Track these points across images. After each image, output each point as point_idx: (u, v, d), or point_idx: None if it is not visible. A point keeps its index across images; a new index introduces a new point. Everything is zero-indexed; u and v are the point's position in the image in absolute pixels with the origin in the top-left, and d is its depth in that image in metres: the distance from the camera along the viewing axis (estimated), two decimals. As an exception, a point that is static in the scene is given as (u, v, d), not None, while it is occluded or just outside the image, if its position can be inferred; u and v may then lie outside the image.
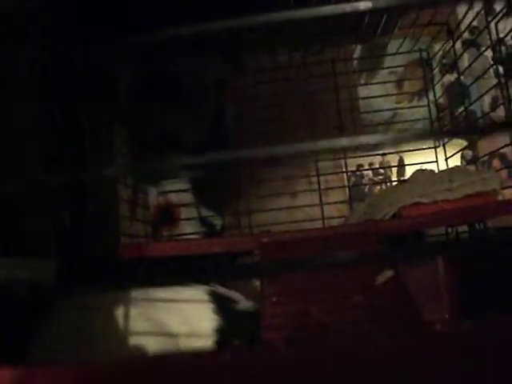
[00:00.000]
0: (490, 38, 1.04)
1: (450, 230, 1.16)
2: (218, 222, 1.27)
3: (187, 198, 1.25)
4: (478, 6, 1.14)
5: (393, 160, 1.35)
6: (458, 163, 1.27)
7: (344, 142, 0.35)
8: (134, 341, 0.67)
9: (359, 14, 1.12)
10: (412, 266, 0.93)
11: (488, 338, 0.39)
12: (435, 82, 1.37)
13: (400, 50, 1.37)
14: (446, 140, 1.26)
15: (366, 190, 1.36)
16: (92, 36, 0.83)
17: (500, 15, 1.06)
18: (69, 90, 0.87)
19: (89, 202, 0.93)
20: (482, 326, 0.42)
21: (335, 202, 1.30)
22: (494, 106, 1.35)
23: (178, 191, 1.25)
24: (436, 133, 0.73)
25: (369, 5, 0.31)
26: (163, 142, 1.32)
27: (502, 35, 1.09)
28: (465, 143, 1.25)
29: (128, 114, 1.20)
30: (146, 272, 0.97)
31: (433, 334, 0.45)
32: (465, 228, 1.16)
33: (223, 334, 0.75)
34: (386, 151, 1.33)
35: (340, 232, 0.86)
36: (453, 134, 1.05)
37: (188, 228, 1.23)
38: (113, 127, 1.11)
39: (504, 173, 1.27)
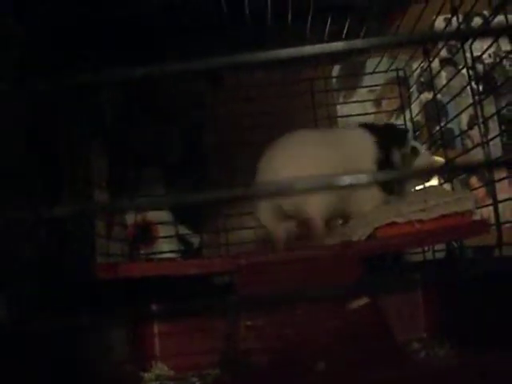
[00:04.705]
0: (465, 57, 1.05)
1: (426, 248, 1.17)
2: (195, 240, 1.27)
3: (165, 215, 1.24)
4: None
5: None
6: (435, 181, 1.28)
7: (327, 181, 0.35)
8: None
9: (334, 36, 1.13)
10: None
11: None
12: (413, 101, 1.38)
13: (378, 69, 1.38)
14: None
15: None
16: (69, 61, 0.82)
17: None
18: (44, 110, 0.86)
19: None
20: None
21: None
22: (471, 124, 1.36)
23: (155, 209, 1.24)
24: (419, 173, 0.73)
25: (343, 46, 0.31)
26: (142, 158, 1.32)
27: (479, 53, 1.10)
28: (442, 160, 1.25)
29: (107, 130, 1.20)
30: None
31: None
32: (442, 246, 1.17)
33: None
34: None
35: (318, 254, 0.86)
36: (439, 172, 1.07)
37: (165, 246, 1.22)
38: (90, 145, 1.10)
39: (482, 191, 1.28)
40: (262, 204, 0.99)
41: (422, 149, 1.08)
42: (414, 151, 1.04)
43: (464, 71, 1.07)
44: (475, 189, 1.30)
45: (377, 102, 1.43)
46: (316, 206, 0.94)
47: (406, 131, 1.18)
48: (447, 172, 1.11)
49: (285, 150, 0.99)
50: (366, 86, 1.42)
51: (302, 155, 0.97)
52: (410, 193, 1.01)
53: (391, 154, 1.02)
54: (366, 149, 1.02)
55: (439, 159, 1.12)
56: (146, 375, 1.00)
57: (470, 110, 1.10)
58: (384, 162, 1.00)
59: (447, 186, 1.15)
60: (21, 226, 0.71)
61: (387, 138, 1.03)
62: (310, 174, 0.90)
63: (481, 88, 1.35)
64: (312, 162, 0.95)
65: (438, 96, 1.29)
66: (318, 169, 0.93)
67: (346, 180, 0.34)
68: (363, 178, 0.34)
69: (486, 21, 1.40)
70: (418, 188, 1.05)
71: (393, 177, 0.54)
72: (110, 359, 0.95)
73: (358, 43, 0.32)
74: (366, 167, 0.99)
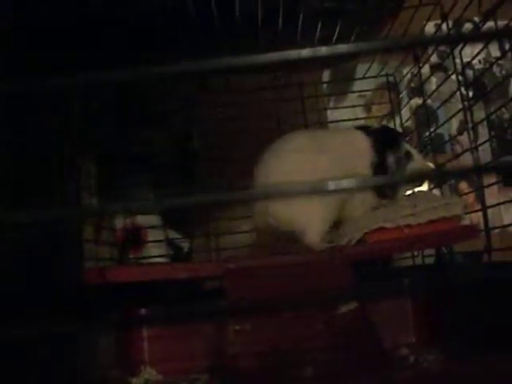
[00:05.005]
0: (454, 63, 1.05)
1: (415, 253, 1.17)
2: (185, 245, 1.26)
3: (154, 220, 1.23)
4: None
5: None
6: (424, 186, 1.28)
7: (319, 187, 0.34)
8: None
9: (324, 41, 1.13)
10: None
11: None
12: (403, 106, 1.38)
13: (368, 74, 1.38)
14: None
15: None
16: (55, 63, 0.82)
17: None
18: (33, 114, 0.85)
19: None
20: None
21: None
22: (461, 129, 1.37)
23: (144, 213, 1.23)
24: (408, 179, 0.74)
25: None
26: (130, 161, 1.31)
27: (469, 59, 1.10)
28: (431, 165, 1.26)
29: (96, 135, 1.19)
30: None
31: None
32: (432, 251, 1.17)
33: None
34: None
35: (307, 258, 0.86)
36: (429, 177, 1.07)
37: (155, 251, 1.21)
38: (80, 148, 1.09)
39: (471, 196, 1.28)
40: (256, 210, 1.00)
41: (416, 153, 1.07)
42: (408, 155, 1.04)
43: (454, 77, 1.07)
44: (464, 194, 1.31)
45: (367, 108, 1.43)
46: (315, 234, 0.95)
47: (399, 134, 1.17)
48: (437, 177, 1.11)
49: (281, 153, 0.99)
50: (357, 91, 1.42)
51: (297, 159, 0.97)
52: (402, 197, 1.01)
53: (386, 157, 1.01)
54: (362, 152, 1.01)
55: (429, 164, 1.12)
56: (135, 380, 0.99)
57: (460, 116, 1.11)
58: (379, 166, 1.00)
59: (436, 191, 1.15)
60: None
61: (383, 140, 1.02)
62: (306, 178, 0.90)
63: (470, 94, 1.36)
64: (307, 166, 0.95)
65: (428, 101, 1.30)
66: (313, 173, 0.93)
67: (340, 185, 0.34)
68: (352, 183, 0.34)
69: (476, 26, 1.41)
70: (407, 193, 1.04)
71: (384, 182, 0.54)
72: (97, 364, 0.94)
73: (343, 48, 0.32)
74: (362, 170, 0.99)
